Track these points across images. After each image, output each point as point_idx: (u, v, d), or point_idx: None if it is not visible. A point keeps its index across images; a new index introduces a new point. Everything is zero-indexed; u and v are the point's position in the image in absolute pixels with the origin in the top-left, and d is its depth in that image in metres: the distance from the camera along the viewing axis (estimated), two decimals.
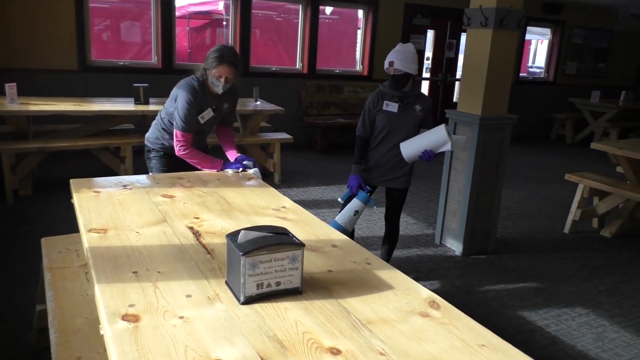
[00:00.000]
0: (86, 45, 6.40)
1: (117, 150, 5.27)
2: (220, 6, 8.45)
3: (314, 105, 7.75)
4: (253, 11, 7.40)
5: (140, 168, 5.95)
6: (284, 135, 5.91)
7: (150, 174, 3.14)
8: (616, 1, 9.39)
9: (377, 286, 1.65)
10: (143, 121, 5.57)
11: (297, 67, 7.92)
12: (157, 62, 6.92)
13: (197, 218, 2.17)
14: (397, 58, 3.10)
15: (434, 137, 3.04)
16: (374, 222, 4.71)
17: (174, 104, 2.98)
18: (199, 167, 2.98)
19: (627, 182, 4.94)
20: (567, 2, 9.56)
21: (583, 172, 4.95)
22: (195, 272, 1.67)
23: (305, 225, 2.17)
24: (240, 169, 2.94)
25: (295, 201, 2.53)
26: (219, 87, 2.88)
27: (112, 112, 5.05)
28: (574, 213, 4.80)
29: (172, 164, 3.08)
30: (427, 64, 9.23)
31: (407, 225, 4.75)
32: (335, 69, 8.23)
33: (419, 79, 8.99)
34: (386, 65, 3.17)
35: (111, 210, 2.19)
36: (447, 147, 3.03)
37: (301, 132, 7.66)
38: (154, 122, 3.21)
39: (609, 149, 4.63)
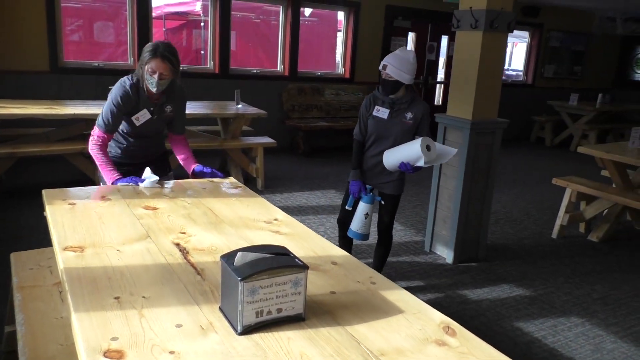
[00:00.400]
0: (58, 46, 6.13)
1: (91, 155, 5.02)
2: (198, 7, 8.24)
3: (295, 108, 7.60)
4: (232, 12, 7.20)
5: None
6: (266, 140, 5.74)
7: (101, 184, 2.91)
8: (593, 4, 9.49)
9: (386, 310, 1.52)
10: None
11: (278, 69, 7.76)
12: (133, 64, 6.67)
13: (184, 233, 2.01)
14: (391, 63, 2.98)
15: (411, 150, 2.91)
16: None
17: None
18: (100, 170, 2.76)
19: (613, 186, 4.92)
20: (545, 6, 9.62)
21: (570, 177, 4.92)
22: (184, 297, 1.51)
23: (300, 239, 2.03)
24: (131, 183, 2.58)
25: (279, 207, 2.40)
26: (152, 84, 2.62)
27: (87, 116, 4.81)
28: (561, 218, 4.75)
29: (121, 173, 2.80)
30: None
31: (395, 232, 4.63)
32: (316, 71, 8.10)
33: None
34: (380, 66, 3.05)
35: (88, 224, 2.01)
36: (421, 163, 2.89)
37: (283, 135, 7.49)
38: None
39: (595, 153, 4.59)
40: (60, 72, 6.17)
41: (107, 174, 2.68)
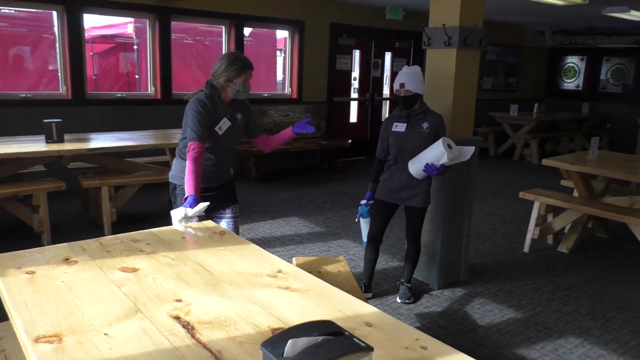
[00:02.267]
0: None
1: (27, 198, 4.49)
2: (130, 29, 7.76)
3: None
4: (171, 34, 6.81)
5: (59, 217, 5.16)
6: None
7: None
8: (523, 19, 9.87)
9: None
10: (58, 162, 4.83)
11: None
12: (66, 93, 6.13)
13: (180, 300, 1.67)
14: (407, 80, 3.23)
15: (434, 151, 3.14)
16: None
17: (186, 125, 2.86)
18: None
19: (575, 195, 4.98)
20: None
21: (536, 189, 4.92)
22: None
23: (318, 296, 1.75)
24: (192, 213, 2.52)
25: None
26: (246, 93, 2.86)
27: (20, 154, 4.28)
28: (532, 231, 4.73)
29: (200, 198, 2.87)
30: (355, 84, 9.10)
31: None
32: (262, 92, 7.83)
33: (349, 99, 8.84)
34: (396, 87, 3.28)
35: (59, 300, 1.64)
36: (444, 160, 3.10)
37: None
38: (174, 159, 3.06)
39: (561, 165, 4.61)
40: None
41: (190, 185, 2.69)
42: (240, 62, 2.80)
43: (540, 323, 3.41)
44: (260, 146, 3.17)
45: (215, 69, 2.86)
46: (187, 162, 2.74)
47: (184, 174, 2.86)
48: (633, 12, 7.58)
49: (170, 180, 3.03)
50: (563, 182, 5.38)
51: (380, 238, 3.64)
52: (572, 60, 11.56)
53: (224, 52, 7.32)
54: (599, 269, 4.39)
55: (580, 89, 11.53)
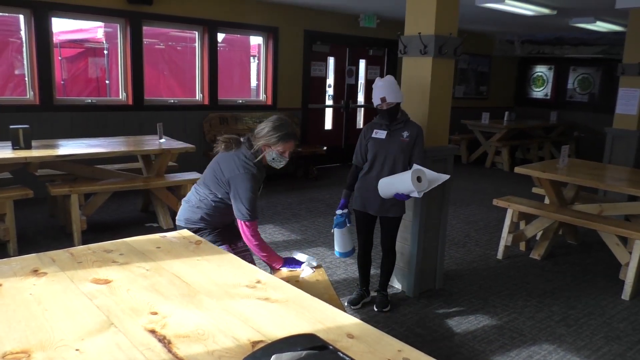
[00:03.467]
0: None
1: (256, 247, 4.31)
2: (100, 34, 7.62)
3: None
4: (143, 39, 6.70)
5: (26, 225, 5.00)
6: (195, 175, 5.29)
7: None
8: (493, 29, 10.07)
9: None
10: (25, 169, 4.68)
11: (197, 98, 7.33)
12: (33, 98, 5.96)
13: (155, 313, 1.62)
14: (386, 93, 3.24)
15: (403, 183, 3.09)
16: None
17: (220, 187, 2.78)
18: (263, 260, 2.87)
19: (547, 203, 5.07)
20: None
21: (509, 197, 4.98)
22: None
23: (299, 307, 1.71)
24: (297, 269, 2.84)
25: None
26: (282, 163, 2.82)
27: None
28: (505, 238, 4.79)
29: (225, 236, 2.92)
30: (329, 91, 9.11)
31: (347, 266, 4.41)
32: (237, 99, 7.77)
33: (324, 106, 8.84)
34: (377, 102, 3.28)
35: (27, 314, 1.57)
36: (415, 195, 3.08)
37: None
38: (185, 202, 2.95)
39: (533, 173, 4.69)
40: None
41: (275, 261, 2.82)
42: (284, 130, 2.71)
43: (515, 330, 3.44)
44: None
45: (258, 129, 2.76)
46: (252, 246, 2.78)
47: (205, 219, 2.87)
48: (599, 23, 7.82)
49: (184, 226, 2.86)
50: (535, 190, 5.47)
51: (370, 247, 3.65)
52: (541, 70, 11.84)
53: (197, 60, 7.26)
54: (570, 275, 4.47)
55: (548, 97, 11.81)
